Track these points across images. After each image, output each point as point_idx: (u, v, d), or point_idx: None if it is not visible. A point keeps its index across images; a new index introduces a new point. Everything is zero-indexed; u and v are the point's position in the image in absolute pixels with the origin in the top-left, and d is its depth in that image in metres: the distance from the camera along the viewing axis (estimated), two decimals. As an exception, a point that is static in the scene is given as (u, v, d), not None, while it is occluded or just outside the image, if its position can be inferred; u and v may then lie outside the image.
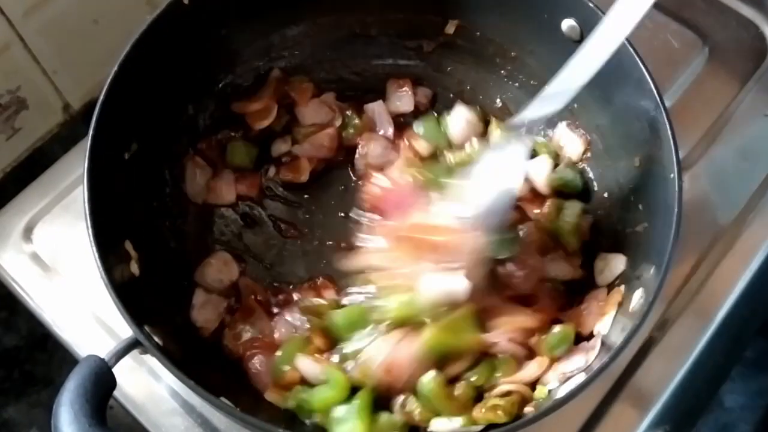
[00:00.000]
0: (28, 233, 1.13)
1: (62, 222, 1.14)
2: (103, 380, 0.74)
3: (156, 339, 0.81)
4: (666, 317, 1.07)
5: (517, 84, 1.13)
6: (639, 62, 0.91)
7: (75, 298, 1.08)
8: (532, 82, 1.10)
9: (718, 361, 1.06)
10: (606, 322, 0.89)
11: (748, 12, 1.26)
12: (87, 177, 0.85)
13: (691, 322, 1.06)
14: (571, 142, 1.08)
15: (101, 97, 0.89)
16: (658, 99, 0.89)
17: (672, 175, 0.85)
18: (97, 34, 1.19)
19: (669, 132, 0.86)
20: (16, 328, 1.33)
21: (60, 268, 1.11)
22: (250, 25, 1.08)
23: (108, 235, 0.85)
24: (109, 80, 0.90)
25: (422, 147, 1.11)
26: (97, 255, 0.81)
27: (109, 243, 0.85)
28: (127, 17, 1.19)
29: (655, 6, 1.23)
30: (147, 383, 1.03)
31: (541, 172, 1.06)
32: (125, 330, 0.80)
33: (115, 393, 0.80)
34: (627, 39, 0.90)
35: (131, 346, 0.78)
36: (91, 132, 0.87)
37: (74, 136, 1.22)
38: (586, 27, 0.96)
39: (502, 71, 1.14)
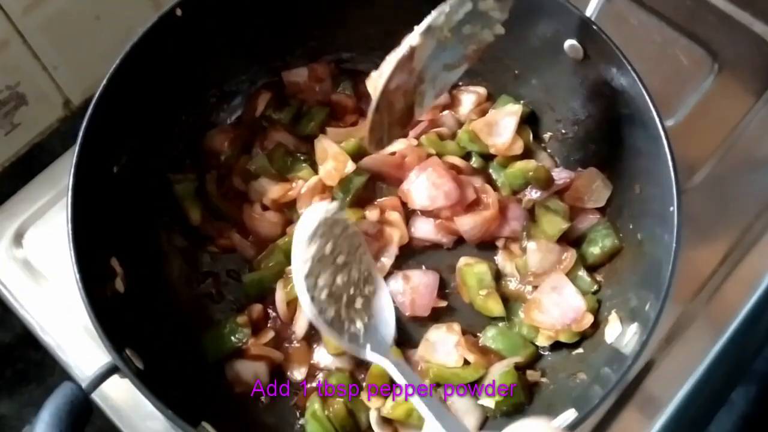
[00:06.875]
0: (18, 238, 1.12)
1: (54, 226, 1.12)
2: (78, 410, 0.72)
3: (136, 363, 0.79)
4: (676, 326, 1.05)
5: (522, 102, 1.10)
6: (645, 93, 0.88)
7: (64, 305, 1.07)
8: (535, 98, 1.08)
9: (727, 371, 1.05)
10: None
11: (759, 28, 1.22)
12: (71, 191, 0.83)
13: (701, 330, 1.05)
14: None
15: (89, 111, 0.87)
16: (660, 129, 0.86)
17: (672, 208, 0.83)
18: (98, 30, 1.17)
19: (671, 164, 0.84)
20: (9, 325, 1.31)
21: (50, 275, 1.09)
22: (245, 38, 1.05)
23: (93, 252, 0.83)
24: (97, 94, 0.88)
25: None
26: (78, 276, 0.79)
27: (94, 260, 0.83)
28: (129, 13, 1.18)
29: (665, 21, 1.23)
30: (128, 388, 1.00)
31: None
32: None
33: (95, 396, 0.78)
34: (631, 66, 0.88)
35: (111, 371, 0.76)
36: (78, 143, 0.86)
37: (74, 132, 1.17)
38: (589, 47, 0.94)
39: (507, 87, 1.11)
